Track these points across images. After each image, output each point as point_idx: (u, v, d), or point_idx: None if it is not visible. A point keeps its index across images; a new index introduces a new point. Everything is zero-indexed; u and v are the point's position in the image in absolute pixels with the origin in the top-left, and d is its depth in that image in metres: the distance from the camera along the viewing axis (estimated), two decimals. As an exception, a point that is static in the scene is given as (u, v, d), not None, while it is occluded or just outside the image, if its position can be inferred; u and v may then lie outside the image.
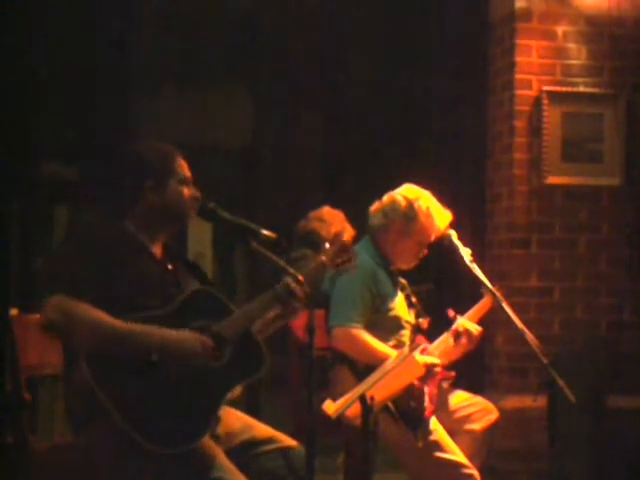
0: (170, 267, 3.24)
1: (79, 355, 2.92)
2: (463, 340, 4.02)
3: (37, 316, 3.47)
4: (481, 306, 4.09)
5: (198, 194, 3.24)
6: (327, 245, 3.39)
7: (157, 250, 3.26)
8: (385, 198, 4.15)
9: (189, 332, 3.04)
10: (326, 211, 5.23)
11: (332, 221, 5.19)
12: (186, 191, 3.22)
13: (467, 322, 4.03)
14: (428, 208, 4.06)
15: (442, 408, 4.03)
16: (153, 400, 2.95)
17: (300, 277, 3.23)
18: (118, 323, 2.95)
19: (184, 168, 3.25)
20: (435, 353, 3.94)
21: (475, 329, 4.03)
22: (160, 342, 2.98)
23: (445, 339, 4.01)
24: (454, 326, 4.01)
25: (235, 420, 3.26)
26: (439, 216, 4.08)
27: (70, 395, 3.05)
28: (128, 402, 2.90)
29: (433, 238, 4.10)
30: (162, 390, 2.98)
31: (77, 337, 2.94)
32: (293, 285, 3.19)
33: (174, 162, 3.23)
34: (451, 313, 4.03)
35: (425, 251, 4.12)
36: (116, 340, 2.94)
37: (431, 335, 4.05)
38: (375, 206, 4.16)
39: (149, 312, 3.04)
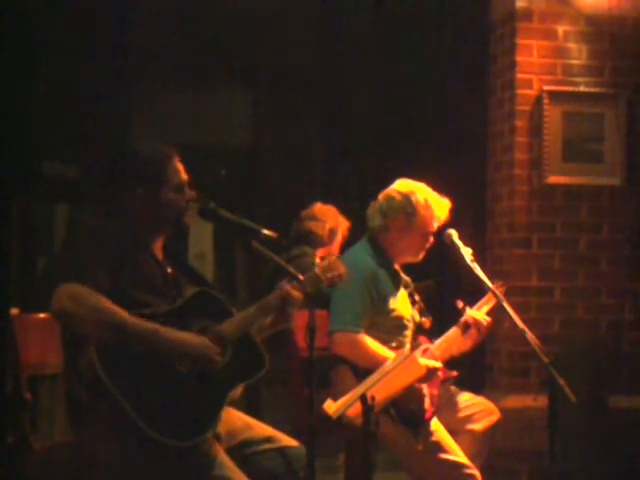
0: (170, 271, 3.25)
1: (87, 343, 2.92)
2: (472, 331, 4.03)
3: (38, 315, 3.48)
4: (486, 301, 4.09)
5: (193, 196, 3.24)
6: (318, 261, 3.43)
7: (158, 251, 3.27)
8: (380, 197, 4.13)
9: (197, 335, 3.07)
10: (318, 209, 5.24)
11: (325, 218, 5.20)
12: (179, 197, 3.22)
13: (476, 313, 4.03)
14: (426, 200, 4.05)
15: (450, 409, 4.04)
16: (160, 393, 2.98)
17: (300, 277, 3.25)
18: (132, 319, 2.97)
19: (178, 172, 3.23)
20: (437, 353, 3.93)
21: (484, 319, 4.04)
22: (170, 343, 3.00)
23: (454, 332, 4.01)
24: (463, 317, 4.01)
25: (235, 419, 3.28)
26: (438, 206, 4.07)
27: (73, 382, 3.04)
28: (135, 392, 2.91)
29: (435, 227, 4.09)
30: (168, 384, 3.00)
31: (90, 326, 2.94)
32: (294, 293, 3.23)
33: (167, 168, 3.21)
34: (460, 304, 4.03)
35: (431, 240, 4.11)
36: (128, 336, 2.95)
37: (433, 335, 4.05)
38: (372, 206, 4.14)
39: (151, 310, 3.06)
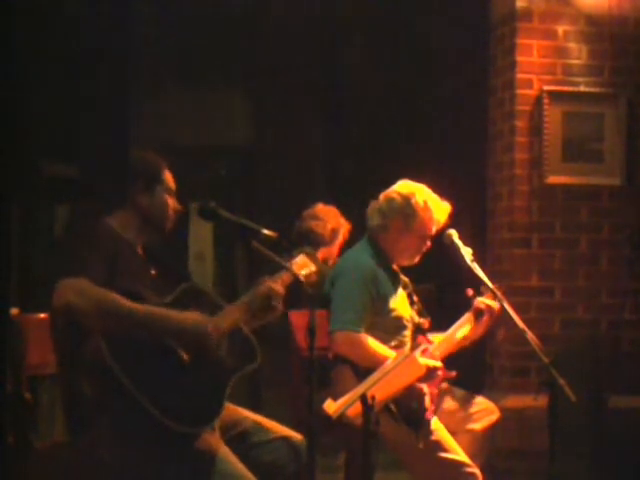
0: (153, 272, 3.30)
1: (94, 335, 2.95)
2: (484, 318, 4.03)
3: (38, 315, 3.48)
4: None
5: (179, 207, 3.33)
6: (295, 261, 3.46)
7: (141, 253, 3.33)
8: (381, 197, 4.13)
9: (199, 314, 3.12)
10: (319, 209, 5.23)
11: (327, 218, 5.19)
12: (170, 201, 3.32)
13: (486, 299, 4.04)
14: (425, 202, 4.05)
15: (450, 408, 4.04)
16: (165, 382, 3.02)
17: (300, 276, 3.26)
18: (133, 305, 3.02)
19: (170, 179, 3.36)
20: (436, 353, 3.93)
21: (495, 304, 4.03)
22: (175, 324, 3.06)
23: (466, 319, 4.00)
24: (475, 304, 4.01)
25: (232, 412, 3.32)
26: (437, 209, 4.07)
27: (74, 379, 3.06)
28: (145, 380, 2.95)
29: (434, 231, 4.09)
30: (173, 374, 3.05)
31: (95, 318, 2.97)
32: (276, 287, 3.29)
33: (162, 171, 3.34)
34: (470, 292, 4.02)
35: (428, 244, 4.11)
36: (133, 321, 3.00)
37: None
38: (372, 206, 4.14)
39: (146, 302, 3.10)
